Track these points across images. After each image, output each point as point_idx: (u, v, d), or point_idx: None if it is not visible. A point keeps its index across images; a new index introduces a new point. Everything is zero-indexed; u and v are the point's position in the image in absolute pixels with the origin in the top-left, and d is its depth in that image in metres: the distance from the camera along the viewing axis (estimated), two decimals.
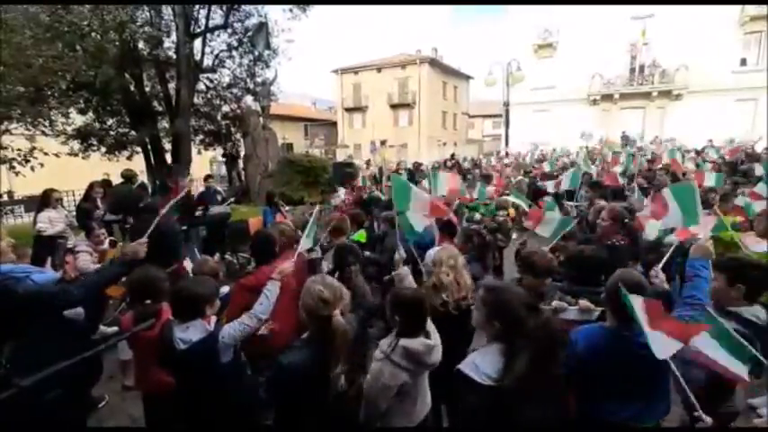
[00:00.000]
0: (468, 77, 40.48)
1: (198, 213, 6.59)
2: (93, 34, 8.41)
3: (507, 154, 16.52)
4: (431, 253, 2.63)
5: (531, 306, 1.63)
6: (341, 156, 23.99)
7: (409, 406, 1.95)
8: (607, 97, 23.10)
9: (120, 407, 3.28)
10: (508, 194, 6.19)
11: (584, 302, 2.22)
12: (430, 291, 2.41)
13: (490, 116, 42.93)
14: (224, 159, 13.73)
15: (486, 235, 3.67)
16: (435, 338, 1.98)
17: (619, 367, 1.73)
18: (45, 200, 5.49)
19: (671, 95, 21.83)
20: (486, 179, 7.90)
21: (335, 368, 1.64)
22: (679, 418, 2.11)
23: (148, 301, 2.31)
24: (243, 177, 13.28)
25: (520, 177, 8.36)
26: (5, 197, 6.80)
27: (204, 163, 15.01)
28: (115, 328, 4.07)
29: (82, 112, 9.65)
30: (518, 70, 14.83)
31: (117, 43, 8.73)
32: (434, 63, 34.83)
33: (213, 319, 2.12)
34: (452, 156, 18.27)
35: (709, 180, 6.49)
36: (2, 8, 6.78)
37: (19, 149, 5.92)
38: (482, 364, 1.59)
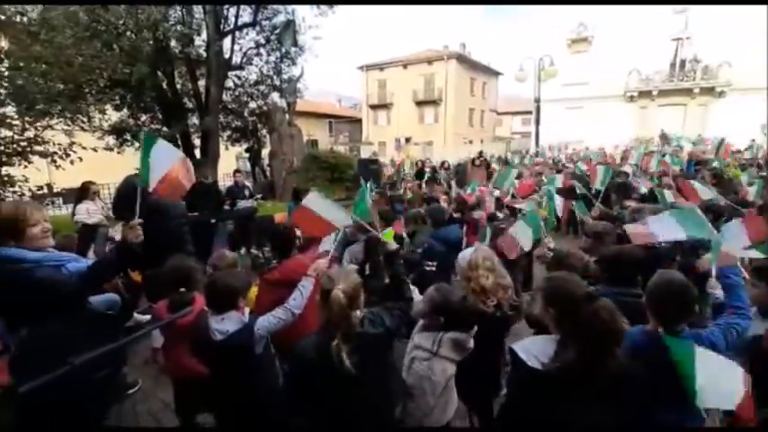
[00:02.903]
0: (497, 73, 39.67)
1: (226, 207, 6.69)
2: (128, 33, 8.68)
3: (537, 153, 16.00)
4: (465, 255, 2.48)
5: (589, 296, 1.57)
6: (365, 153, 23.99)
7: (445, 400, 1.98)
8: (645, 94, 22.05)
9: (152, 391, 3.37)
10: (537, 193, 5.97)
11: None
12: (471, 296, 2.32)
13: (519, 113, 41.98)
14: (247, 155, 13.94)
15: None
16: None
17: (659, 371, 1.64)
18: (83, 192, 5.72)
19: (713, 92, 20.62)
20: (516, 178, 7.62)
21: (333, 341, 1.65)
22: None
23: (183, 290, 2.37)
24: (268, 173, 13.47)
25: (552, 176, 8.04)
26: (45, 189, 7.12)
27: (231, 158, 15.34)
28: (149, 317, 4.16)
29: (117, 108, 10.00)
30: (551, 65, 14.30)
31: (151, 42, 8.98)
32: (462, 59, 34.29)
33: (247, 310, 2.17)
34: (480, 153, 17.89)
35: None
36: (43, 8, 7.09)
37: (59, 144, 6.16)
38: (534, 347, 1.59)
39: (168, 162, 2.39)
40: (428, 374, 1.90)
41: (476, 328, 2.00)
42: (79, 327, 1.88)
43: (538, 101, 15.80)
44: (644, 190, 6.32)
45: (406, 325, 2.09)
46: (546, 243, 3.49)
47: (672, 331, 1.74)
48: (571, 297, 1.60)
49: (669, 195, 4.74)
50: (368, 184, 3.05)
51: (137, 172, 2.49)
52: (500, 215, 5.46)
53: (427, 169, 12.24)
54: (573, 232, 7.95)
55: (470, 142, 31.53)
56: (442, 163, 13.26)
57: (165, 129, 11.01)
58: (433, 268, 3.32)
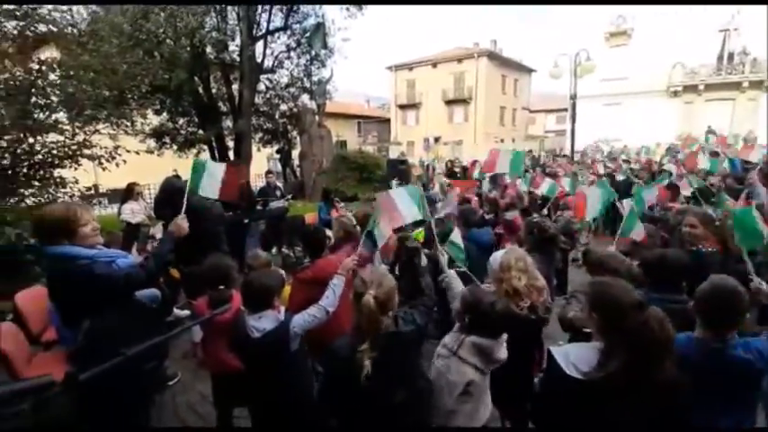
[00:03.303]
0: (530, 70, 38.61)
1: (258, 207, 6.86)
2: (167, 41, 9.10)
3: (565, 154, 15.42)
4: (496, 256, 2.43)
5: (639, 303, 1.50)
6: (393, 153, 23.99)
7: (473, 407, 1.91)
8: (690, 88, 20.76)
9: (191, 384, 3.48)
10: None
11: None
12: (504, 298, 2.26)
13: (553, 111, 40.66)
14: (279, 156, 14.26)
15: (549, 228, 3.35)
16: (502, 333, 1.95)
17: (708, 379, 1.62)
18: (128, 193, 6.11)
19: (763, 86, 19.18)
20: (551, 178, 7.38)
21: (360, 346, 1.67)
22: None
23: (221, 287, 2.45)
24: (298, 174, 13.74)
25: (592, 177, 7.74)
26: (93, 190, 7.58)
27: (263, 159, 15.72)
28: (187, 312, 4.34)
29: (157, 113, 10.49)
30: (587, 60, 13.68)
31: (188, 48, 9.37)
32: (493, 56, 33.63)
33: (282, 308, 2.21)
34: None
35: None
36: (91, 19, 7.54)
37: (105, 147, 6.51)
38: (574, 354, 1.54)
39: (219, 174, 2.93)
40: (444, 372, 1.89)
41: (505, 336, 1.94)
42: (134, 319, 2.01)
43: (574, 98, 15.10)
44: (691, 190, 5.93)
45: (432, 321, 2.06)
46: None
47: (718, 338, 1.67)
48: (616, 303, 1.53)
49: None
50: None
51: (175, 173, 2.66)
52: (536, 215, 5.29)
53: (457, 169, 12.08)
54: (611, 234, 7.60)
55: (501, 141, 30.87)
56: (473, 162, 13.03)
57: (200, 132, 11.44)
58: (464, 269, 3.27)
